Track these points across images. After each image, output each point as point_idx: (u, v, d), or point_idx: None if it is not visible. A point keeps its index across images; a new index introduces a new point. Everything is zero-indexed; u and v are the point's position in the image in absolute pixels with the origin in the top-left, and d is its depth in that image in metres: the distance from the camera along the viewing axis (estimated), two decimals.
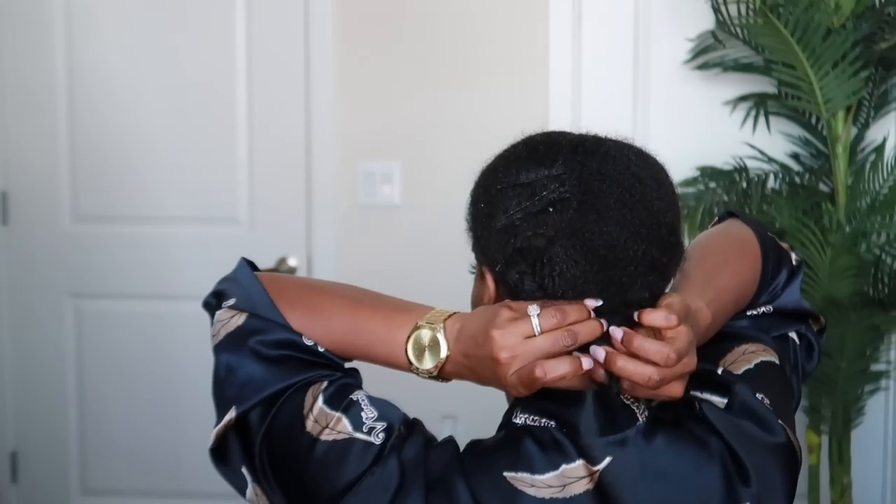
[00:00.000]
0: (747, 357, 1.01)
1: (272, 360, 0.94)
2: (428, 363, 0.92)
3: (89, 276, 2.93)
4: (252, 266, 1.04)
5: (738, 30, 2.42)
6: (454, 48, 2.75)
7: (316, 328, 0.97)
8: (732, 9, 2.40)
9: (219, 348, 0.97)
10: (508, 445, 0.90)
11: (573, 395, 0.91)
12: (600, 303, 0.88)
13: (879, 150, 2.42)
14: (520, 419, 0.92)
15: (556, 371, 0.86)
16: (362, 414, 0.90)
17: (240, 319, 0.97)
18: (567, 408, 0.91)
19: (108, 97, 2.88)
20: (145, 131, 2.88)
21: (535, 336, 0.87)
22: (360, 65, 2.79)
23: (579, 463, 0.89)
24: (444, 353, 0.91)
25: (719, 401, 0.96)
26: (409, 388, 2.40)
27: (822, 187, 2.47)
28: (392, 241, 2.81)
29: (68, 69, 2.88)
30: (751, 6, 2.31)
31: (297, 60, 2.80)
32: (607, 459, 0.89)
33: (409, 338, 0.92)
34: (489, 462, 0.89)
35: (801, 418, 2.34)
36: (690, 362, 0.89)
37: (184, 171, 2.87)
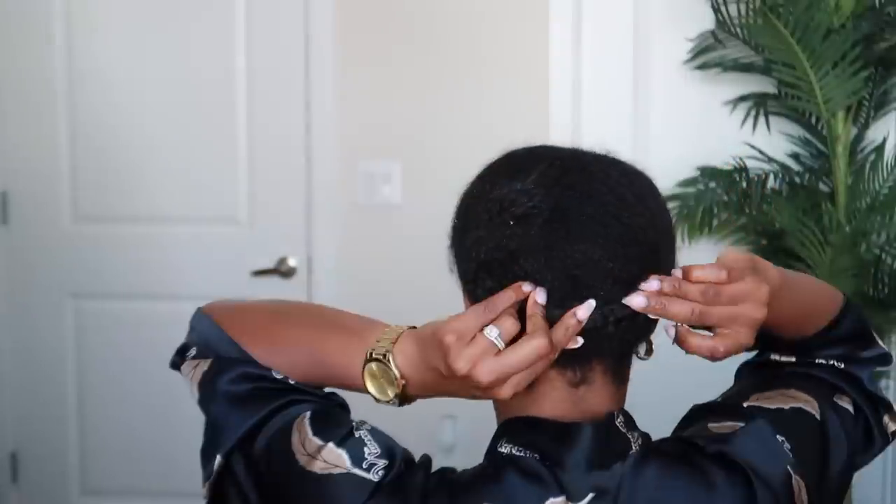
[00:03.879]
0: (785, 399, 0.96)
1: (245, 397, 0.92)
2: (389, 395, 0.88)
3: (89, 276, 2.93)
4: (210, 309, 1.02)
5: (738, 30, 2.43)
6: (454, 48, 2.75)
7: (280, 362, 0.95)
8: (732, 9, 2.40)
9: (201, 404, 0.95)
10: (492, 475, 0.87)
11: (568, 428, 0.88)
12: (533, 288, 0.84)
13: (879, 150, 2.42)
14: (505, 448, 0.89)
15: (528, 359, 0.82)
16: (364, 449, 0.86)
17: (204, 366, 0.96)
18: (557, 441, 0.87)
19: (108, 97, 2.88)
20: (145, 131, 2.88)
21: (502, 350, 0.82)
22: (360, 65, 2.79)
23: (561, 499, 0.85)
24: (396, 377, 0.87)
25: (732, 424, 0.92)
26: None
27: (822, 187, 2.47)
28: (392, 241, 2.81)
29: (68, 69, 2.88)
30: (751, 6, 2.31)
31: (296, 60, 2.80)
32: (589, 496, 0.85)
33: (363, 371, 0.89)
34: (472, 492, 0.86)
35: None
36: (755, 310, 0.86)
37: (184, 171, 2.87)
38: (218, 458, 0.91)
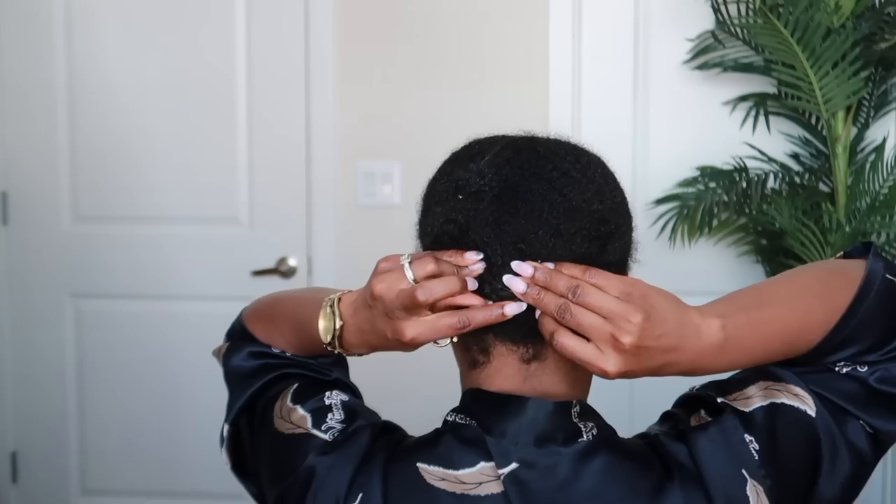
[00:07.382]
0: (768, 393, 0.91)
1: (249, 372, 1.06)
2: (328, 336, 0.96)
3: (89, 276, 2.93)
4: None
5: (738, 30, 2.43)
6: (454, 48, 2.75)
7: (274, 335, 1.08)
8: (732, 9, 2.40)
9: (224, 378, 1.10)
10: (431, 440, 0.91)
11: (508, 399, 0.90)
12: (481, 256, 0.88)
13: (879, 150, 2.42)
14: (451, 417, 0.93)
15: (437, 290, 0.87)
16: (329, 415, 0.95)
17: (223, 348, 1.12)
18: (494, 411, 0.89)
19: (107, 97, 2.88)
20: (145, 131, 2.88)
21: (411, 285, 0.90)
22: (360, 65, 2.79)
23: (491, 464, 0.87)
24: (337, 324, 0.95)
25: (701, 417, 0.91)
26: (409, 389, 2.41)
27: (822, 187, 2.47)
28: (392, 241, 2.79)
29: (68, 69, 2.88)
30: (751, 6, 2.31)
31: (297, 60, 2.81)
32: (512, 465, 0.87)
33: (318, 318, 0.98)
34: (409, 453, 0.90)
35: None
36: (623, 333, 0.83)
37: (184, 171, 2.87)
38: (226, 427, 1.06)
